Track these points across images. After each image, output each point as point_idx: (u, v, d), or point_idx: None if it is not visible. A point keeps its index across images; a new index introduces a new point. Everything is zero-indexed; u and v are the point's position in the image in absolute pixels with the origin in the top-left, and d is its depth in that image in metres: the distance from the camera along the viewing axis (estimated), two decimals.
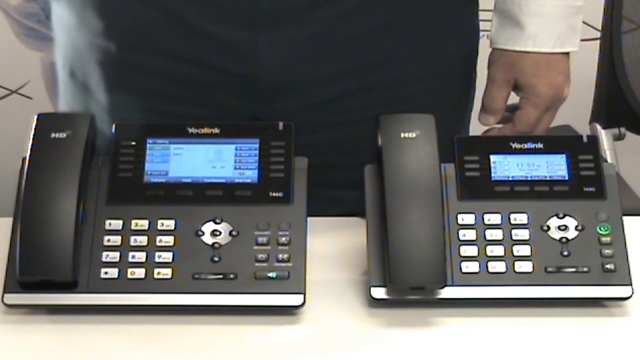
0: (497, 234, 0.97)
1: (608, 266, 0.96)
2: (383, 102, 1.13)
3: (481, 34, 1.24)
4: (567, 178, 1.00)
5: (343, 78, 1.12)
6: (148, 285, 0.94)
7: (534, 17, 1.17)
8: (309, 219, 0.97)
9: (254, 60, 1.09)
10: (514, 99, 1.23)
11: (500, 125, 1.23)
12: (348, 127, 1.15)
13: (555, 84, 1.19)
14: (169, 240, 0.96)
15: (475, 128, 1.27)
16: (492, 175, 1.00)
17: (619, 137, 1.89)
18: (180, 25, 1.09)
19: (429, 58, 1.15)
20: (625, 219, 0.99)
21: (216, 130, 1.00)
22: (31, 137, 0.97)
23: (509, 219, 0.98)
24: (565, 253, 0.96)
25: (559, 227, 0.98)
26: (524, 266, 0.96)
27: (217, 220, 0.97)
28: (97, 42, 1.12)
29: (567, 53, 1.19)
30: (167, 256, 0.95)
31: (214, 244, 0.96)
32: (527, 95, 1.20)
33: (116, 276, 0.94)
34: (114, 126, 1.01)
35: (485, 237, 0.97)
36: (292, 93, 1.12)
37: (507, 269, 0.96)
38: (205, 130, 1.00)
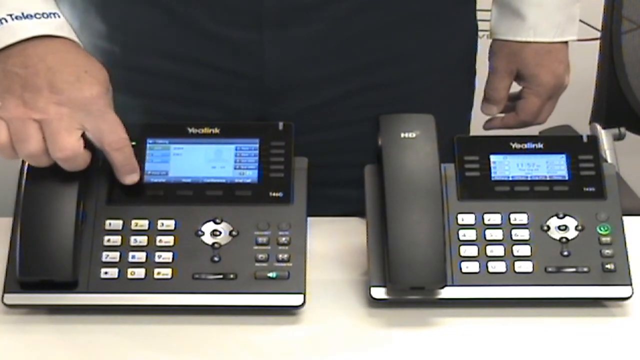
0: (497, 234, 0.97)
1: (608, 266, 0.96)
2: (387, 101, 1.13)
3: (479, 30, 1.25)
4: (567, 178, 1.00)
5: (349, 77, 1.12)
6: (148, 285, 0.94)
7: (534, 8, 1.18)
8: (309, 219, 0.97)
9: (261, 60, 1.09)
10: (514, 87, 1.24)
11: (502, 115, 1.25)
12: (351, 125, 1.15)
13: (556, 73, 1.21)
14: (169, 240, 0.96)
15: (478, 118, 1.27)
16: (492, 175, 1.00)
17: (619, 137, 1.90)
18: (185, 27, 1.08)
19: (434, 55, 1.16)
20: (625, 219, 0.99)
21: (216, 130, 1.00)
22: None
23: (509, 219, 0.98)
24: (565, 253, 0.96)
25: (559, 227, 0.98)
26: (524, 266, 0.96)
27: (217, 220, 0.97)
28: (100, 45, 1.11)
29: (567, 42, 1.20)
30: (167, 256, 0.95)
31: (214, 244, 0.96)
32: (529, 85, 1.21)
33: (116, 276, 0.94)
34: None
35: (485, 237, 0.97)
36: (298, 93, 1.11)
37: (507, 269, 0.96)
38: (205, 130, 1.00)
